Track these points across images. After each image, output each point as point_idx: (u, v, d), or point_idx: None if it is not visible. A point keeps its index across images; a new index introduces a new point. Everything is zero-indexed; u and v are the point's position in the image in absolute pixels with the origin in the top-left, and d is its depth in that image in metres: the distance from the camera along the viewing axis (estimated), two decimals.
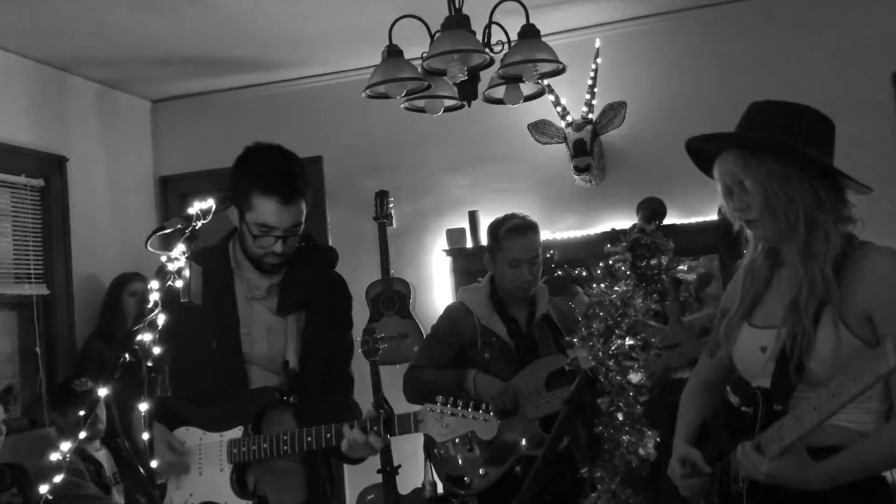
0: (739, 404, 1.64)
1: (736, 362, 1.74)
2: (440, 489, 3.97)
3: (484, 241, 4.42)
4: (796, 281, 1.62)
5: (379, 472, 3.95)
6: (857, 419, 1.57)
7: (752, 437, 1.56)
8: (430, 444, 3.15)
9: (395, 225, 4.74)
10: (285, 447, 2.02)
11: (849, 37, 4.20)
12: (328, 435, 2.00)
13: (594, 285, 1.36)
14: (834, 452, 1.54)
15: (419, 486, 4.22)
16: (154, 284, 1.78)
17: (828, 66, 4.21)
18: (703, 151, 1.72)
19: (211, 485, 2.10)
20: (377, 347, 3.68)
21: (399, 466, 3.89)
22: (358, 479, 4.55)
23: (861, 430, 1.56)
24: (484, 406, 1.91)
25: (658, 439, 1.23)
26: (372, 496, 4.19)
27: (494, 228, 3.09)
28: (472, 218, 4.58)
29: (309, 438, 2.01)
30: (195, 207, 1.89)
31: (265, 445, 2.04)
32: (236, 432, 2.09)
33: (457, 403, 1.90)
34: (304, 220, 2.17)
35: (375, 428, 1.95)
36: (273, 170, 2.11)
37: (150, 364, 1.70)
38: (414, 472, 4.16)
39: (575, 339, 1.35)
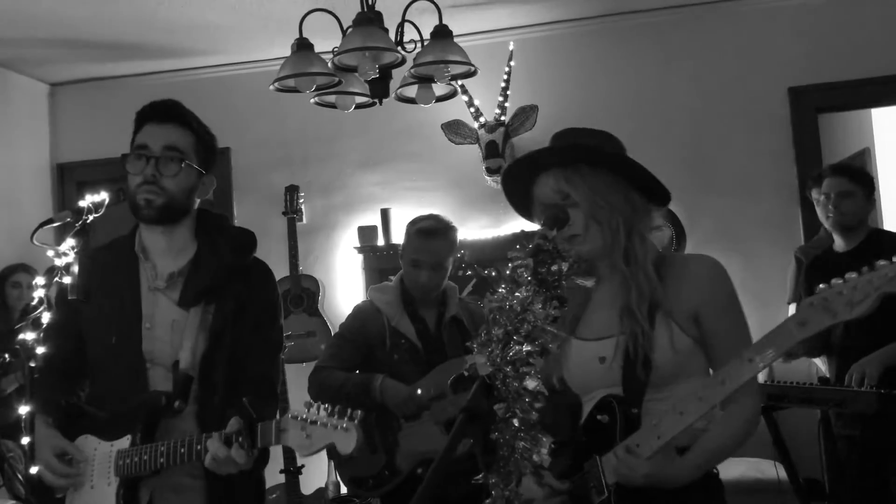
0: (596, 414, 1.65)
1: (568, 377, 1.75)
2: (343, 490, 3.93)
3: (395, 239, 4.42)
4: (622, 289, 1.68)
5: (282, 472, 3.89)
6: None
7: (610, 446, 1.59)
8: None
9: (305, 220, 4.68)
10: (161, 459, 1.83)
11: (748, 52, 4.37)
12: (182, 450, 1.77)
13: (496, 290, 1.36)
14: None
15: (322, 486, 4.17)
16: (40, 280, 1.67)
17: (728, 80, 4.37)
18: (521, 182, 1.75)
19: (99, 500, 1.91)
20: (283, 345, 3.62)
21: (302, 466, 3.83)
22: None
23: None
24: (349, 412, 1.66)
25: (553, 445, 1.25)
26: (274, 496, 4.11)
27: (408, 226, 3.07)
28: (385, 216, 4.56)
29: (182, 450, 1.79)
30: (87, 200, 1.79)
31: (146, 457, 1.85)
32: (125, 442, 1.90)
33: (323, 409, 1.68)
34: (186, 149, 2.01)
35: (240, 439, 1.69)
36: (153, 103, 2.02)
37: (32, 364, 1.59)
38: (317, 472, 4.11)
39: (475, 345, 1.35)
